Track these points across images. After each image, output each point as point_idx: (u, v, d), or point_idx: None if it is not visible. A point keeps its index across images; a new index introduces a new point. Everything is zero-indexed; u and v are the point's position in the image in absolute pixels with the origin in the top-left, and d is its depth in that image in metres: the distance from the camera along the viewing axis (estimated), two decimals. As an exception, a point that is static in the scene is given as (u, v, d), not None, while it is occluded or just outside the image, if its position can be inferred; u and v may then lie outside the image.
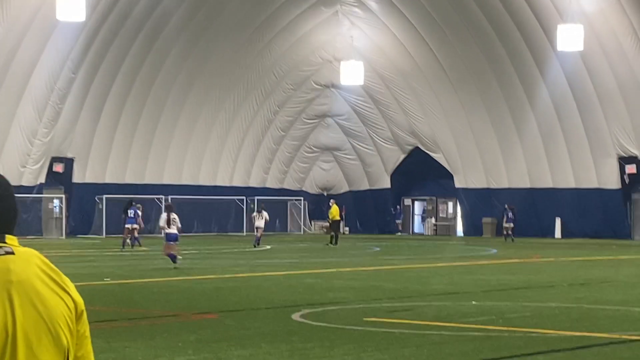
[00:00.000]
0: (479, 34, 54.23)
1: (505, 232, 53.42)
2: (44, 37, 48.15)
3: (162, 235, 29.42)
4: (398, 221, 63.60)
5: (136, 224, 40.52)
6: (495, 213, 57.86)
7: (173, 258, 28.19)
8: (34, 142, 51.20)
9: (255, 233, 43.74)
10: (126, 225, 40.72)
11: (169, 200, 56.65)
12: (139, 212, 41.12)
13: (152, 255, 35.69)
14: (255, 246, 42.30)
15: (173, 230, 28.44)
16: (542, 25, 51.87)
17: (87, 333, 2.32)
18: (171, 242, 28.52)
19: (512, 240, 51.67)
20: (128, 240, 40.69)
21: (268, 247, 42.98)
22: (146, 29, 52.26)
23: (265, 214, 43.82)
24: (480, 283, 22.94)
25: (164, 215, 29.28)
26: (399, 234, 62.72)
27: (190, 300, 18.71)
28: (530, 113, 55.92)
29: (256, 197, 61.97)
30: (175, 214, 29.33)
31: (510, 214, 53.55)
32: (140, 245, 40.69)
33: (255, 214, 45.69)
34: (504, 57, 54.58)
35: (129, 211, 40.76)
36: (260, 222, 43.49)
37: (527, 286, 22.37)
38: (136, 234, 40.91)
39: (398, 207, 64.05)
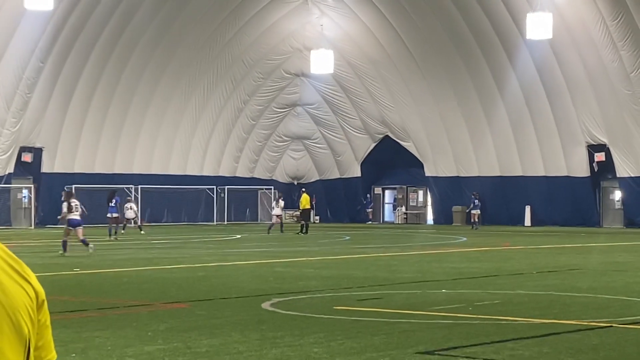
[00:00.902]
0: (449, 22, 54.34)
1: (472, 220, 53.91)
2: (12, 26, 47.81)
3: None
4: (369, 210, 63.72)
5: (117, 213, 41.57)
6: (465, 201, 58.08)
7: (85, 243, 28.50)
8: (2, 131, 50.87)
9: (271, 220, 49.18)
10: (108, 215, 41.47)
11: (139, 191, 56.55)
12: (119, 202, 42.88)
13: (122, 245, 35.57)
14: (268, 232, 45.96)
15: (74, 216, 28.67)
16: (511, 14, 52.02)
17: (48, 322, 2.31)
18: (71, 228, 28.66)
19: (476, 228, 51.99)
20: (112, 230, 41.25)
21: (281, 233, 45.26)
22: (114, 18, 52.01)
23: (281, 202, 48.36)
24: (449, 271, 23.01)
25: (65, 204, 29.49)
26: (370, 222, 62.83)
27: (160, 289, 18.66)
28: (499, 101, 56.11)
29: (226, 187, 61.92)
30: (76, 199, 29.78)
31: (476, 201, 54.02)
32: (116, 235, 40.94)
33: (274, 202, 50.15)
34: (474, 45, 54.72)
35: (112, 200, 41.72)
36: (277, 210, 48.17)
37: (496, 274, 22.46)
38: (118, 223, 41.97)
39: (368, 196, 64.16)
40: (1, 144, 51.25)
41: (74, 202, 29.07)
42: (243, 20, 57.31)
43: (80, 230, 28.70)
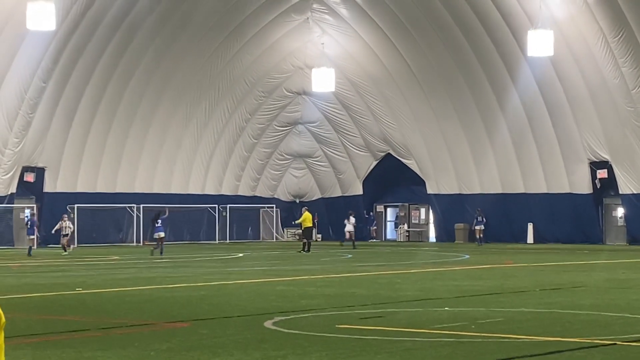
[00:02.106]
0: (450, 40, 54.41)
1: (478, 236, 54.18)
2: (14, 46, 47.90)
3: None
4: (372, 227, 63.71)
5: (163, 232, 43.11)
6: (468, 219, 58.05)
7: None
8: (4, 151, 50.90)
9: (346, 236, 52.73)
10: (154, 235, 43.30)
11: (141, 210, 56.58)
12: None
13: (124, 265, 35.54)
14: (341, 244, 51.07)
15: None
16: (512, 31, 52.09)
17: (3, 342, 2.36)
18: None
19: (480, 244, 52.38)
20: (153, 249, 42.75)
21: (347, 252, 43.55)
22: (116, 38, 52.11)
23: (352, 219, 51.47)
24: (452, 289, 22.97)
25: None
26: (372, 240, 62.77)
27: (162, 309, 18.63)
28: (501, 118, 56.12)
29: (228, 205, 61.89)
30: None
31: (479, 218, 54.19)
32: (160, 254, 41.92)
33: (346, 220, 53.53)
34: (475, 62, 54.78)
35: (157, 220, 43.17)
36: (349, 227, 52.16)
37: (499, 292, 22.43)
38: (162, 243, 43.02)
39: (371, 213, 64.12)
40: (4, 164, 51.27)
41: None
42: (244, 39, 57.41)
43: None
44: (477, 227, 54.55)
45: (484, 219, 55.20)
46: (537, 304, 19.19)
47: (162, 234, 42.84)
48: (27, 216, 44.28)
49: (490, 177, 58.02)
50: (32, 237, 44.59)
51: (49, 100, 51.73)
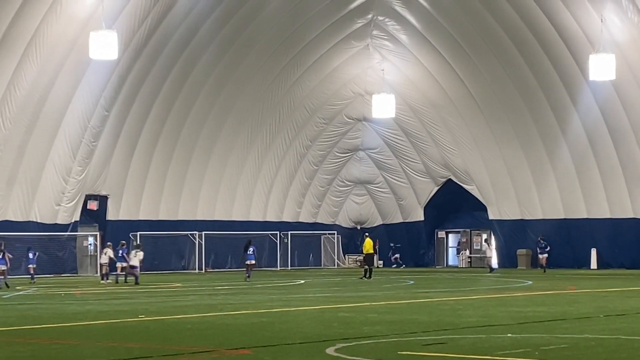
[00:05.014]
0: (510, 64, 54.13)
1: (541, 263, 53.79)
2: (77, 76, 48.50)
3: None
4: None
5: (254, 260, 45.93)
6: (530, 244, 57.57)
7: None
8: (68, 180, 51.47)
9: (487, 263, 55.14)
10: (246, 262, 45.57)
11: (203, 237, 56.87)
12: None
13: (186, 292, 35.70)
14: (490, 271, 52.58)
15: None
16: (573, 55, 51.70)
17: None
18: None
19: (544, 270, 52.05)
20: (247, 276, 44.61)
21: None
22: (178, 66, 52.54)
23: (494, 242, 54.79)
24: (515, 315, 22.76)
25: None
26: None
27: (224, 336, 18.68)
28: (562, 143, 55.66)
29: (290, 232, 62.01)
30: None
31: (543, 244, 53.83)
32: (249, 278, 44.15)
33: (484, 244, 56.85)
34: (535, 86, 54.42)
35: (249, 249, 45.70)
36: (488, 252, 55.36)
37: (563, 318, 22.18)
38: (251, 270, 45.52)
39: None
40: (67, 192, 51.82)
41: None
42: (305, 66, 57.61)
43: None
44: (542, 255, 54.33)
45: (548, 246, 54.67)
46: (602, 330, 18.95)
47: (253, 261, 45.70)
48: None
49: (552, 202, 57.50)
50: (124, 264, 44.81)
51: (111, 129, 52.26)
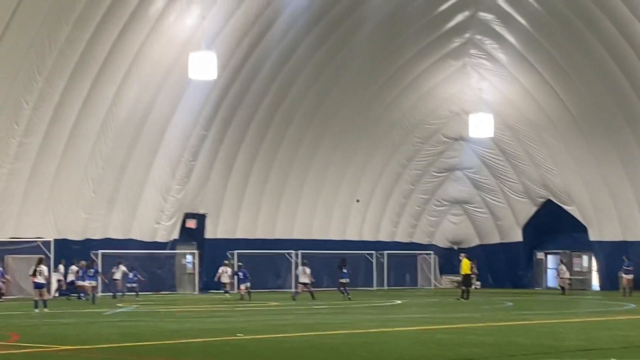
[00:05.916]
0: (611, 83, 53.23)
1: (623, 287, 50.77)
2: (177, 96, 49.18)
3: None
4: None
5: (348, 279, 46.97)
6: (634, 267, 56.20)
7: (43, 303, 33.64)
8: (167, 198, 52.13)
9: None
10: (340, 279, 46.76)
11: (299, 256, 57.04)
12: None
13: (284, 311, 35.78)
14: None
15: (39, 279, 33.96)
16: (676, 73, 50.71)
17: None
18: (36, 289, 34.22)
19: (630, 293, 49.47)
20: (345, 295, 45.58)
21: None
22: (274, 86, 52.90)
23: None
24: (618, 339, 22.28)
25: (33, 267, 34.66)
26: (535, 288, 61.47)
27: (322, 355, 18.63)
28: (666, 162, 54.53)
29: (385, 252, 61.82)
30: (45, 265, 34.74)
31: (626, 263, 51.36)
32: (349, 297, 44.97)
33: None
34: (637, 104, 53.41)
35: (344, 268, 46.80)
36: (628, 276, 50.81)
37: (668, 342, 21.62)
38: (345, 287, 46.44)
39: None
40: (166, 211, 52.48)
41: (40, 268, 33.97)
42: (402, 84, 57.50)
43: (42, 292, 34.07)
44: (625, 276, 51.14)
45: (631, 266, 51.96)
46: None
47: (347, 280, 46.69)
48: (238, 269, 48.50)
49: (656, 222, 56.29)
50: (247, 284, 46.70)
51: (209, 148, 52.82)
